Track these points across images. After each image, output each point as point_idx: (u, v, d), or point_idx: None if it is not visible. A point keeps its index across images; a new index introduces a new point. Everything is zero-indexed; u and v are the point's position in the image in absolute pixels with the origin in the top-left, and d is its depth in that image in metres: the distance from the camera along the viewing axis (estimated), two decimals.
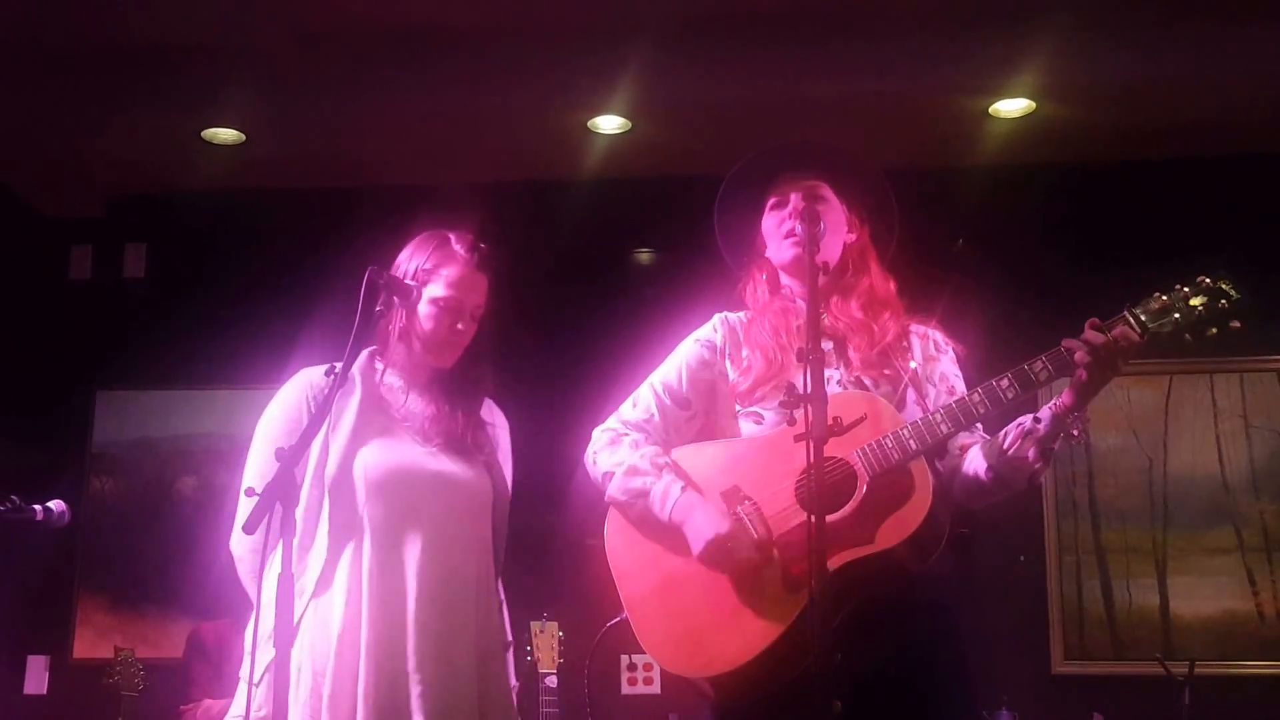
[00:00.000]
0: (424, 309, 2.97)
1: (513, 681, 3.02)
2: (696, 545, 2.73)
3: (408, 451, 2.95)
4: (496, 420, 3.16)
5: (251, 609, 2.88)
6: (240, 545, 2.95)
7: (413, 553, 2.86)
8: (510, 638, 3.04)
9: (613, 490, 2.90)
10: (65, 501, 3.35)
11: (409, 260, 3.01)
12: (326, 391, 2.77)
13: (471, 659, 2.89)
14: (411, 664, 2.79)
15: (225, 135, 5.58)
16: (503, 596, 3.05)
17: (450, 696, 2.82)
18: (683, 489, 2.81)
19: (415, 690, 2.77)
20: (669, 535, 2.82)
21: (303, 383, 3.00)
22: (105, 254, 6.16)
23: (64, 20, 5.01)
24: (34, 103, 5.36)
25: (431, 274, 2.98)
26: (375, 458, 2.90)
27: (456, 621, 2.88)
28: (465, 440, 3.01)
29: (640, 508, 2.85)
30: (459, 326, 2.99)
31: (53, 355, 6.00)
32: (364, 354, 3.04)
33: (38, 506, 3.29)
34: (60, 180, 5.95)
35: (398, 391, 3.03)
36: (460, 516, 2.96)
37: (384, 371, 3.04)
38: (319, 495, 2.87)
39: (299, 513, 2.80)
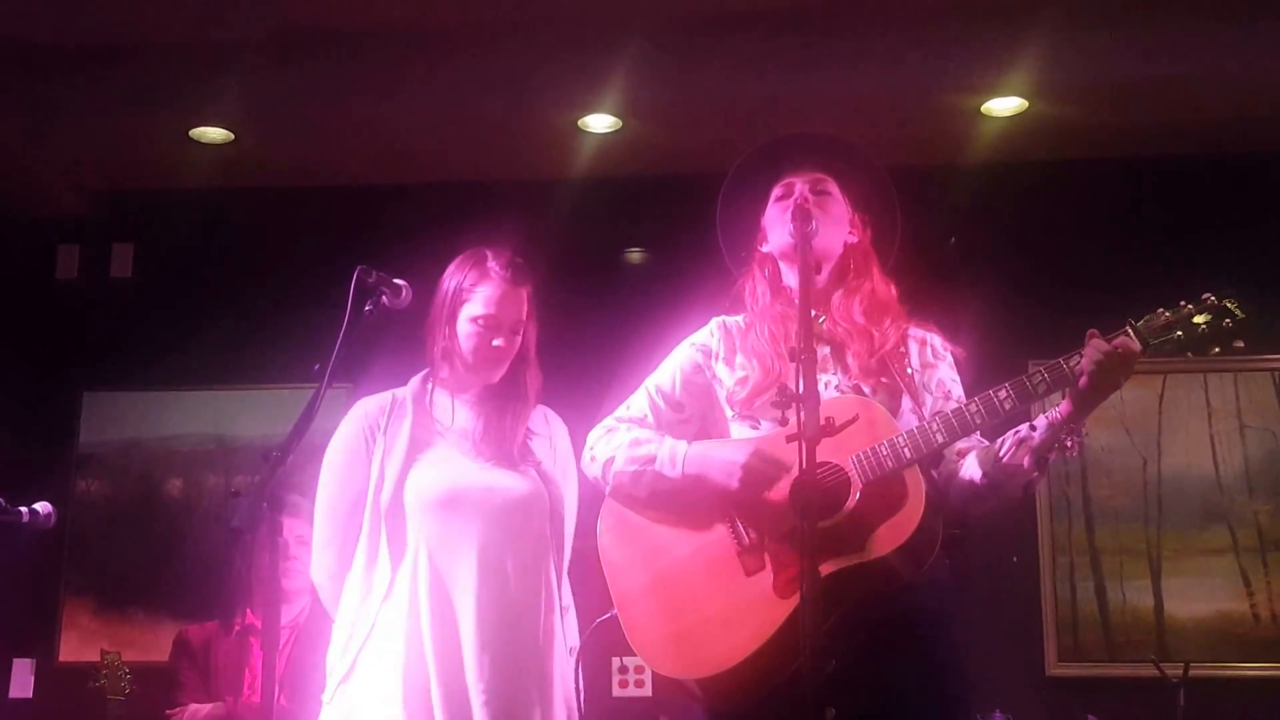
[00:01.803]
0: (464, 328, 3.10)
1: (578, 685, 3.10)
2: (733, 477, 2.72)
3: (457, 468, 3.05)
4: (553, 428, 3.25)
5: (235, 614, 3.01)
6: (320, 573, 3.10)
7: (468, 568, 2.96)
8: (578, 642, 3.13)
9: (618, 467, 2.88)
10: (51, 503, 3.34)
11: (449, 280, 3.13)
12: (316, 391, 2.76)
13: (534, 665, 2.98)
14: (473, 676, 2.90)
15: (213, 134, 5.55)
16: (568, 601, 3.14)
17: (513, 705, 2.92)
18: (689, 444, 2.83)
19: (478, 701, 2.89)
20: (676, 510, 2.82)
21: (359, 414, 3.13)
22: (92, 253, 6.12)
23: (51, 19, 4.99)
24: (21, 101, 5.34)
25: (469, 292, 3.10)
26: (425, 478, 3.02)
27: (516, 631, 2.98)
28: (514, 453, 3.09)
29: (649, 476, 2.84)
30: (497, 343, 3.10)
31: (38, 355, 5.97)
32: (418, 378, 3.19)
33: (23, 508, 3.29)
34: (47, 179, 5.92)
35: (446, 410, 3.14)
36: (513, 527, 3.04)
37: (433, 391, 3.16)
38: (377, 518, 3.00)
39: (365, 535, 3.00)
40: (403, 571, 2.97)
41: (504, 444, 3.09)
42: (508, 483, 3.06)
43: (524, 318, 3.16)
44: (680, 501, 2.81)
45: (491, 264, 3.11)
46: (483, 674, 2.89)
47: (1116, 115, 5.39)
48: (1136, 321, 2.55)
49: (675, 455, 2.82)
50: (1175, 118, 5.38)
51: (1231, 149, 5.58)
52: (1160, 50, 5.04)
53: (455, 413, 3.14)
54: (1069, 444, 2.59)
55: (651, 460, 2.84)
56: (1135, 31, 5.02)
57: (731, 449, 2.76)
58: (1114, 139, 5.54)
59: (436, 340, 3.14)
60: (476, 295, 3.09)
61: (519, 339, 3.16)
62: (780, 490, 2.69)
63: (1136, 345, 2.51)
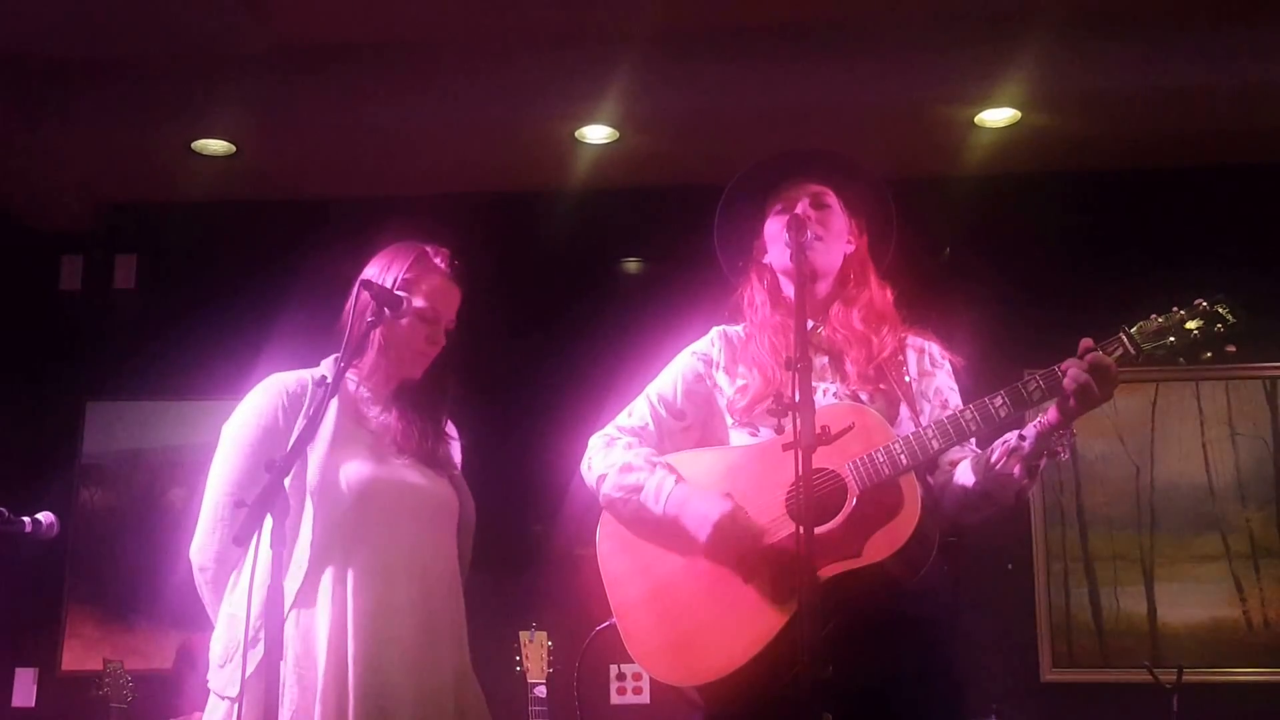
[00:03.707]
0: (404, 319, 2.98)
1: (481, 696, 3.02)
2: (702, 530, 2.73)
3: (387, 464, 2.95)
4: (453, 434, 3.17)
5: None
6: (204, 554, 2.92)
7: (396, 565, 2.87)
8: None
9: (607, 489, 2.90)
10: (54, 513, 3.33)
11: (386, 270, 3.01)
12: (318, 403, 2.76)
13: (450, 670, 2.91)
14: (399, 677, 2.80)
15: (215, 146, 5.57)
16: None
17: (434, 707, 2.83)
18: (676, 481, 2.82)
19: (404, 700, 2.78)
20: (661, 537, 2.83)
21: (276, 388, 2.99)
22: (95, 265, 6.14)
23: (54, 32, 5.01)
24: (25, 114, 5.36)
25: (412, 285, 2.99)
26: (358, 470, 2.90)
27: (436, 633, 2.89)
28: (434, 453, 3.03)
29: (634, 505, 2.86)
30: (434, 339, 3.02)
31: (42, 366, 5.98)
32: (330, 363, 3.02)
33: (26, 518, 3.27)
34: (51, 191, 5.93)
35: (371, 403, 3.03)
36: (433, 529, 2.98)
37: (359, 382, 3.04)
38: (298, 504, 2.83)
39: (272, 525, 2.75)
40: (327, 566, 2.81)
41: (425, 444, 3.01)
42: (428, 483, 2.98)
43: (454, 318, 3.07)
44: (665, 530, 2.83)
45: (435, 259, 3.03)
46: (408, 675, 2.81)
47: (1109, 125, 5.41)
48: (1130, 328, 2.58)
49: (660, 491, 2.82)
50: (1167, 128, 5.40)
51: (1224, 159, 5.60)
52: (1152, 61, 5.07)
53: (378, 406, 3.03)
54: (1059, 450, 2.62)
55: (638, 490, 2.86)
56: (1127, 43, 5.04)
57: (710, 503, 2.75)
58: (1107, 149, 5.56)
59: (367, 330, 2.95)
60: (421, 289, 2.99)
61: (444, 339, 3.07)
62: (776, 499, 2.72)
63: (1110, 361, 2.53)
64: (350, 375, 3.02)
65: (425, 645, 2.85)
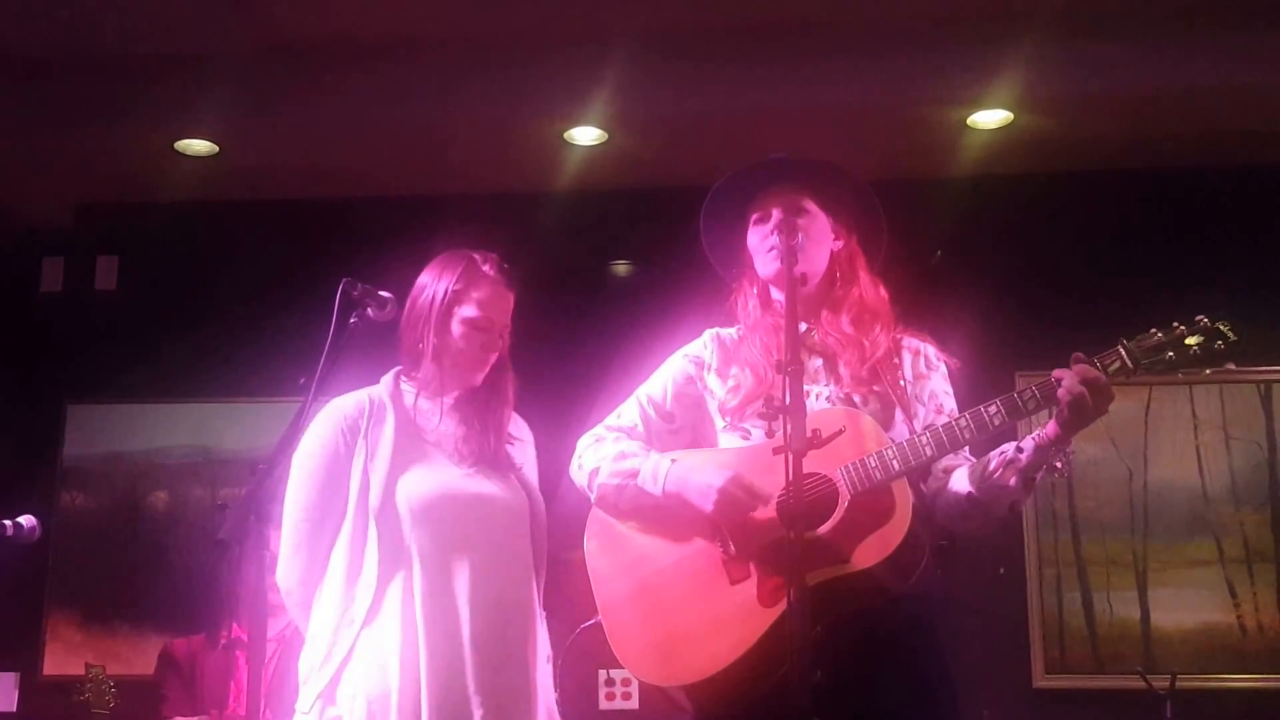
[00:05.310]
0: (457, 329, 3.03)
1: (558, 694, 3.08)
2: (707, 500, 2.71)
3: (446, 475, 2.98)
4: (523, 434, 3.21)
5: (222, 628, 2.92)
6: (288, 578, 3.00)
7: (462, 576, 2.90)
8: (550, 650, 3.09)
9: (602, 479, 2.89)
10: (35, 516, 3.33)
11: (437, 281, 3.06)
12: (302, 405, 2.75)
13: (526, 675, 2.94)
14: (472, 686, 2.83)
15: (198, 146, 5.55)
16: (542, 610, 3.08)
17: (510, 714, 2.87)
18: (673, 461, 2.82)
19: (477, 713, 2.82)
20: (660, 523, 2.82)
21: (335, 414, 3.03)
22: (76, 266, 6.13)
23: (37, 30, 4.98)
24: (5, 112, 5.33)
25: (463, 294, 3.04)
26: (417, 484, 2.94)
27: (510, 640, 2.93)
28: (498, 458, 3.06)
29: (632, 490, 2.84)
30: (489, 345, 3.07)
31: (23, 368, 5.97)
32: (390, 375, 3.10)
33: (7, 521, 3.29)
34: (32, 192, 5.92)
35: (429, 414, 3.07)
36: (503, 535, 3.00)
37: (417, 394, 3.08)
38: (363, 524, 2.90)
39: (344, 542, 2.89)
40: (394, 583, 2.88)
41: (487, 449, 3.05)
42: (494, 489, 3.02)
43: (509, 322, 3.14)
44: (662, 515, 2.81)
45: (484, 267, 3.08)
46: (481, 685, 2.84)
47: (1101, 127, 5.42)
48: (1129, 341, 2.56)
49: (658, 472, 2.81)
50: (1159, 130, 5.41)
51: (1217, 161, 5.61)
52: (1144, 63, 5.08)
53: (437, 417, 3.08)
54: (1058, 465, 2.60)
55: (634, 475, 2.84)
56: (1119, 45, 5.05)
57: (711, 473, 2.74)
58: (1099, 151, 5.57)
59: (425, 340, 3.04)
60: (471, 297, 3.04)
61: (503, 343, 3.14)
62: (762, 510, 2.69)
63: (1103, 376, 2.51)
64: (408, 388, 3.08)
65: (498, 651, 2.89)
